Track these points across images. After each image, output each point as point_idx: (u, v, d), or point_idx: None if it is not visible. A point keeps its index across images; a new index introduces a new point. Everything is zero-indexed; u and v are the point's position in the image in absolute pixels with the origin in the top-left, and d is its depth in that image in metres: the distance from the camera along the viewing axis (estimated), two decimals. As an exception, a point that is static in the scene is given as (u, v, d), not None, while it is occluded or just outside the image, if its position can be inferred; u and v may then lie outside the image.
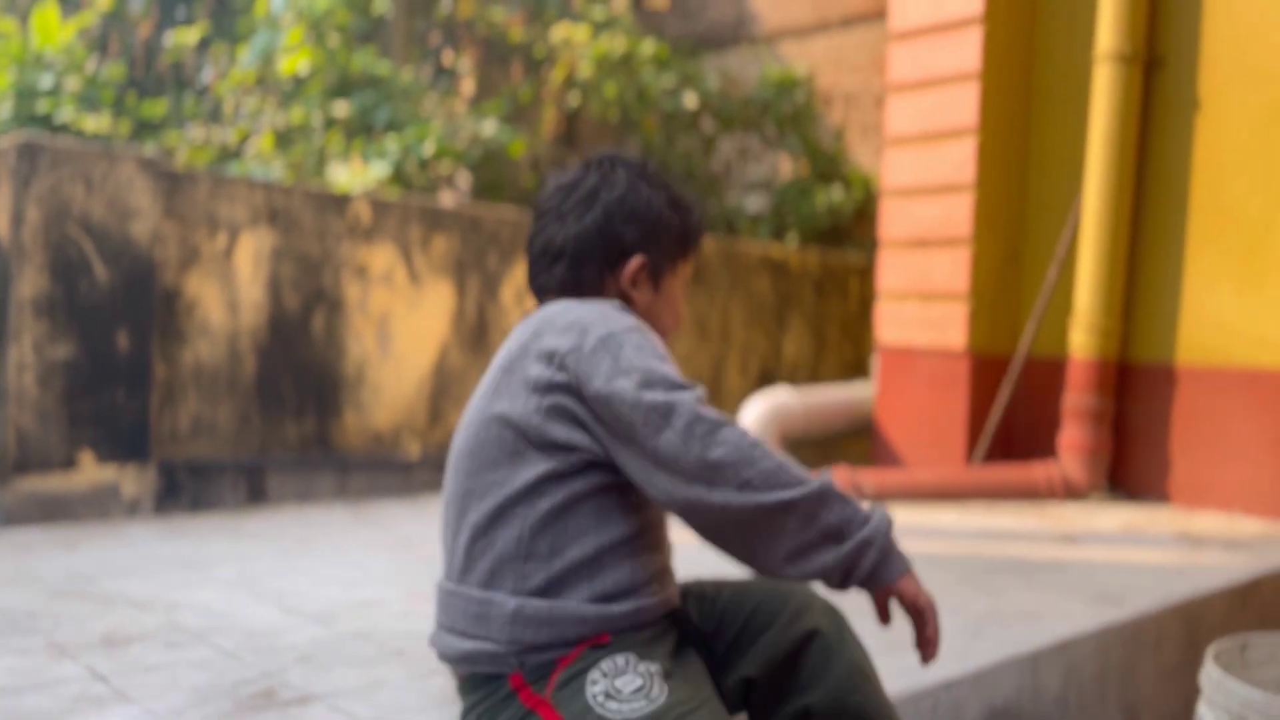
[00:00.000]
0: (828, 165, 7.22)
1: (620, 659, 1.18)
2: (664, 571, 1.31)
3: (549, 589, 1.21)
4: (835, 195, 6.90)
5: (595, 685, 1.15)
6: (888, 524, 1.20)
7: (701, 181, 7.19)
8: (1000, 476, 3.93)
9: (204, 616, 2.13)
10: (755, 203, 7.39)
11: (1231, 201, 3.76)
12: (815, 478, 1.18)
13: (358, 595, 2.35)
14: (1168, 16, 3.92)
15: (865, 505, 1.21)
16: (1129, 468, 4.00)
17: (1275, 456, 3.62)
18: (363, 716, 1.61)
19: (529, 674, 1.20)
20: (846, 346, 6.01)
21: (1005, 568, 2.84)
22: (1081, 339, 3.92)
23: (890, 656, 1.95)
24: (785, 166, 7.51)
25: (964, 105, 4.14)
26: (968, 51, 4.13)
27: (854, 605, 1.68)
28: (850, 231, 6.91)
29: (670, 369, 1.21)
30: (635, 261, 1.35)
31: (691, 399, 1.17)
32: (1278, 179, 3.63)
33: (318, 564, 2.66)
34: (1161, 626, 2.47)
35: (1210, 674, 1.94)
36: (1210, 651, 2.03)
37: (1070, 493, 3.89)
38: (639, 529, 1.26)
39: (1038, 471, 3.91)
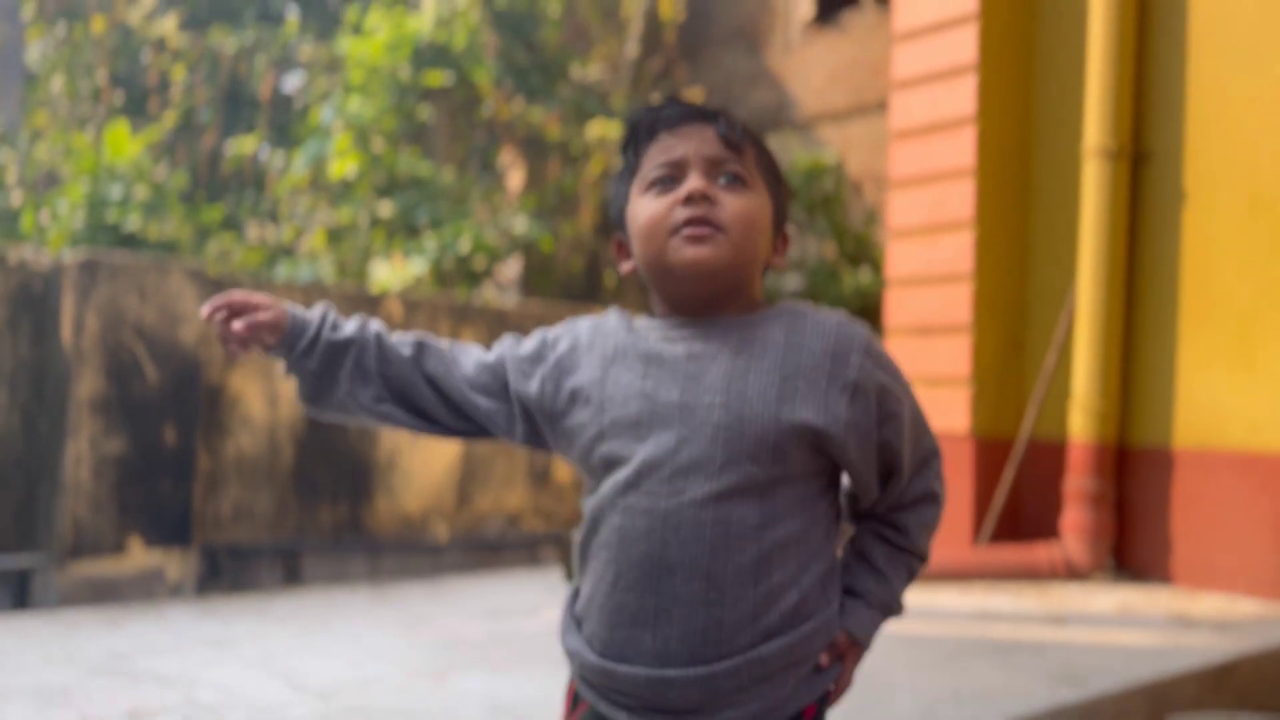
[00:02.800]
0: (857, 248, 7.44)
1: None
2: None
3: None
4: (864, 278, 7.09)
5: None
6: None
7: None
8: (1004, 558, 4.03)
9: (220, 693, 2.36)
10: (793, 281, 7.61)
11: (1220, 288, 3.88)
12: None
13: (361, 673, 2.56)
14: (1153, 113, 4.10)
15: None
16: (1133, 549, 4.07)
17: (1272, 538, 3.67)
18: (340, 783, 1.81)
19: None
20: (872, 427, 6.14)
21: (984, 649, 2.95)
22: (1080, 422, 4.04)
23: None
24: (818, 248, 7.74)
25: (961, 199, 4.33)
26: (963, 148, 4.34)
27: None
28: (879, 312, 7.09)
29: None
30: (614, 243, 1.22)
31: None
32: (1263, 266, 3.75)
33: (331, 642, 2.89)
34: (1121, 706, 2.56)
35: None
36: (1147, 731, 2.14)
37: (1073, 573, 3.97)
38: None
39: (1040, 553, 4.00)
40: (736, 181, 1.11)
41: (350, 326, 1.16)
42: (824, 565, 1.12)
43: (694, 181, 1.09)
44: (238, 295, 1.13)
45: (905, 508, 1.16)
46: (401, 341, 1.18)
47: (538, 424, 1.17)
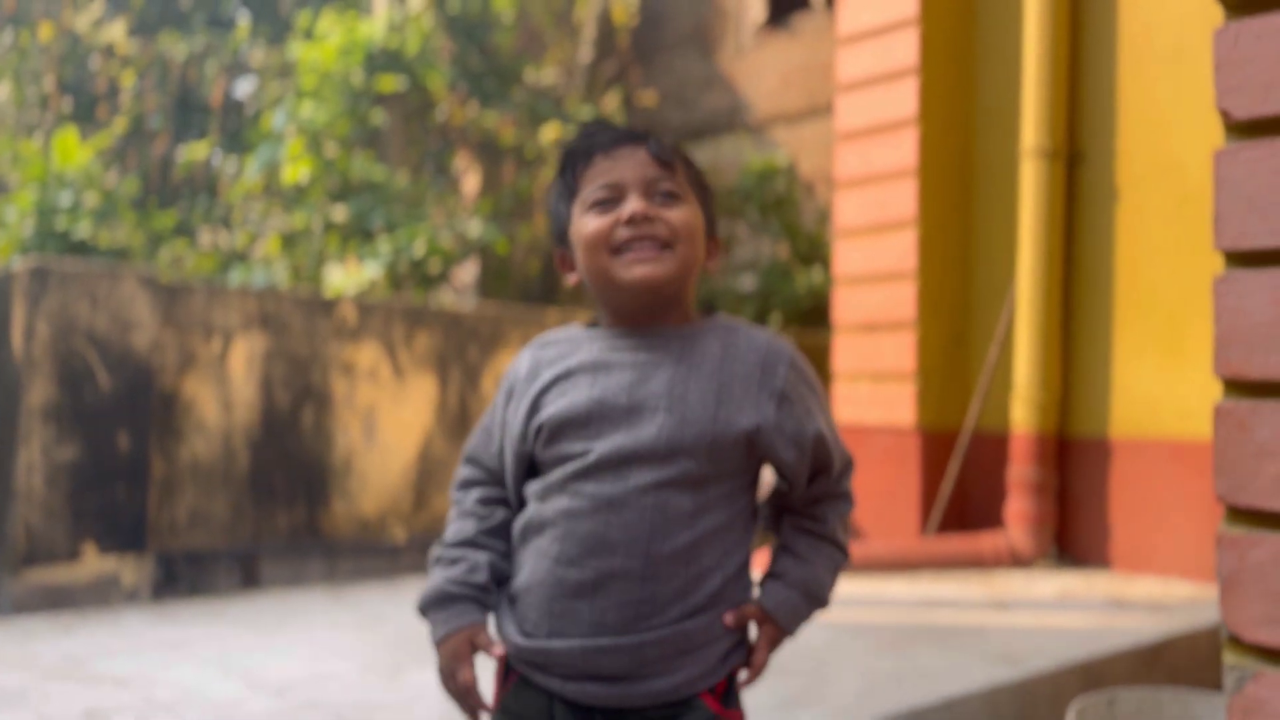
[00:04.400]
0: (809, 248, 7.55)
1: None
2: None
3: None
4: (816, 277, 7.21)
5: None
6: None
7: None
8: (950, 547, 4.14)
9: (176, 692, 2.39)
10: (748, 282, 7.71)
11: (1151, 282, 4.02)
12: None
13: (317, 670, 2.60)
14: (1086, 114, 4.24)
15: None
16: (1074, 536, 4.20)
17: (1204, 523, 3.81)
18: (295, 773, 1.86)
19: None
20: (824, 423, 6.24)
21: (927, 634, 3.05)
22: (1022, 414, 4.16)
23: (779, 714, 2.18)
24: (771, 248, 7.84)
25: (904, 199, 4.45)
26: (905, 149, 4.45)
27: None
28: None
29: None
30: (557, 256, 1.33)
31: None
32: (1191, 261, 3.89)
33: (287, 642, 2.92)
34: (1058, 685, 2.66)
35: (1071, 727, 2.14)
36: (1073, 708, 2.23)
37: (1017, 561, 4.09)
38: None
39: (985, 541, 4.12)
40: (671, 197, 1.22)
41: (475, 557, 1.26)
42: (743, 555, 1.24)
43: (634, 203, 1.20)
44: (465, 685, 1.22)
45: (822, 501, 1.28)
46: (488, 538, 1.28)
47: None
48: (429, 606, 1.23)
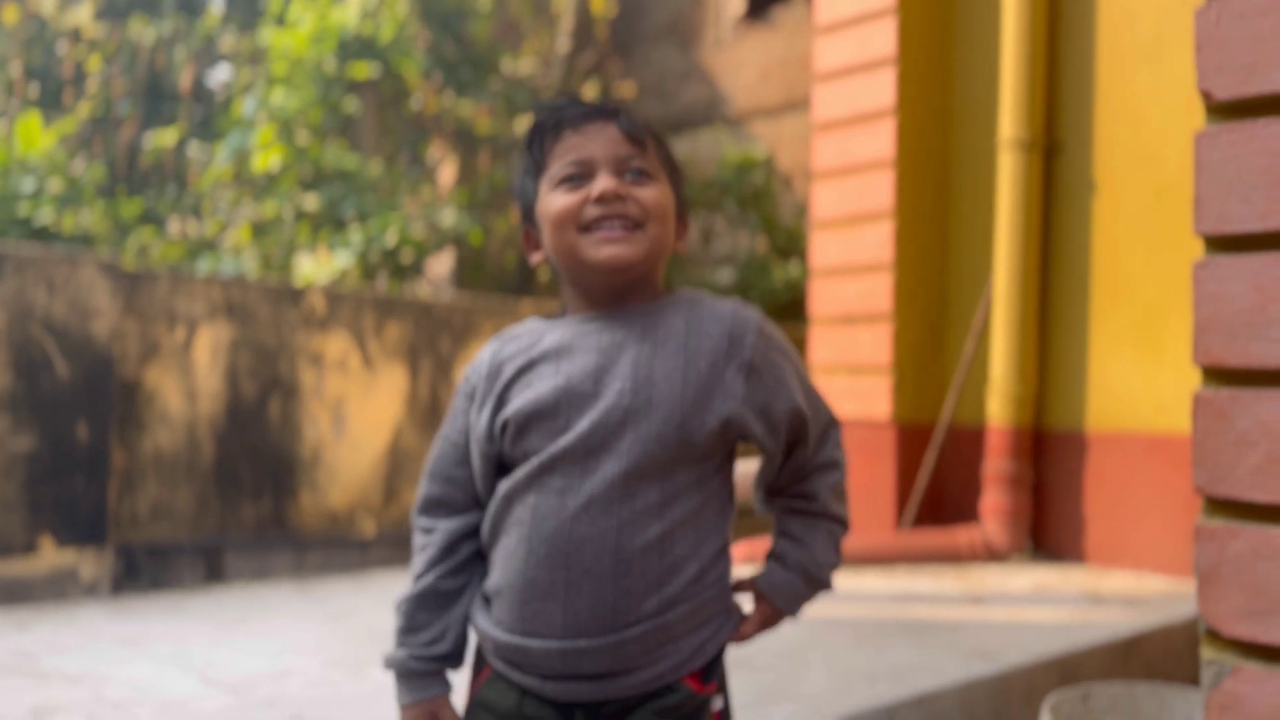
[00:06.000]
0: (787, 241, 7.52)
1: None
2: None
3: None
4: (793, 270, 7.17)
5: None
6: None
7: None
8: (925, 541, 4.11)
9: (128, 690, 2.32)
10: (726, 275, 7.66)
11: (1128, 275, 4.00)
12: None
13: (277, 665, 2.53)
14: (1064, 105, 4.21)
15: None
16: (1049, 530, 4.18)
17: (1179, 517, 3.80)
18: (247, 773, 1.79)
19: None
20: (801, 417, 6.21)
21: (901, 628, 3.01)
22: (998, 407, 4.13)
23: (753, 710, 2.14)
24: (750, 242, 7.80)
25: (881, 191, 4.41)
26: (883, 140, 4.41)
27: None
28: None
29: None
30: (522, 234, 1.28)
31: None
32: (1167, 253, 3.87)
33: (249, 638, 2.85)
34: (1032, 680, 2.63)
35: (1045, 723, 2.11)
36: (1047, 702, 2.20)
37: (992, 555, 4.06)
38: None
39: (960, 535, 4.09)
40: (643, 175, 1.17)
41: (434, 621, 1.23)
42: (719, 539, 1.19)
43: (604, 181, 1.15)
44: None
45: (810, 476, 1.24)
46: (446, 565, 1.24)
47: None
48: (393, 673, 1.23)
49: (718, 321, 1.17)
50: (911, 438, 4.40)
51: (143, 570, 3.72)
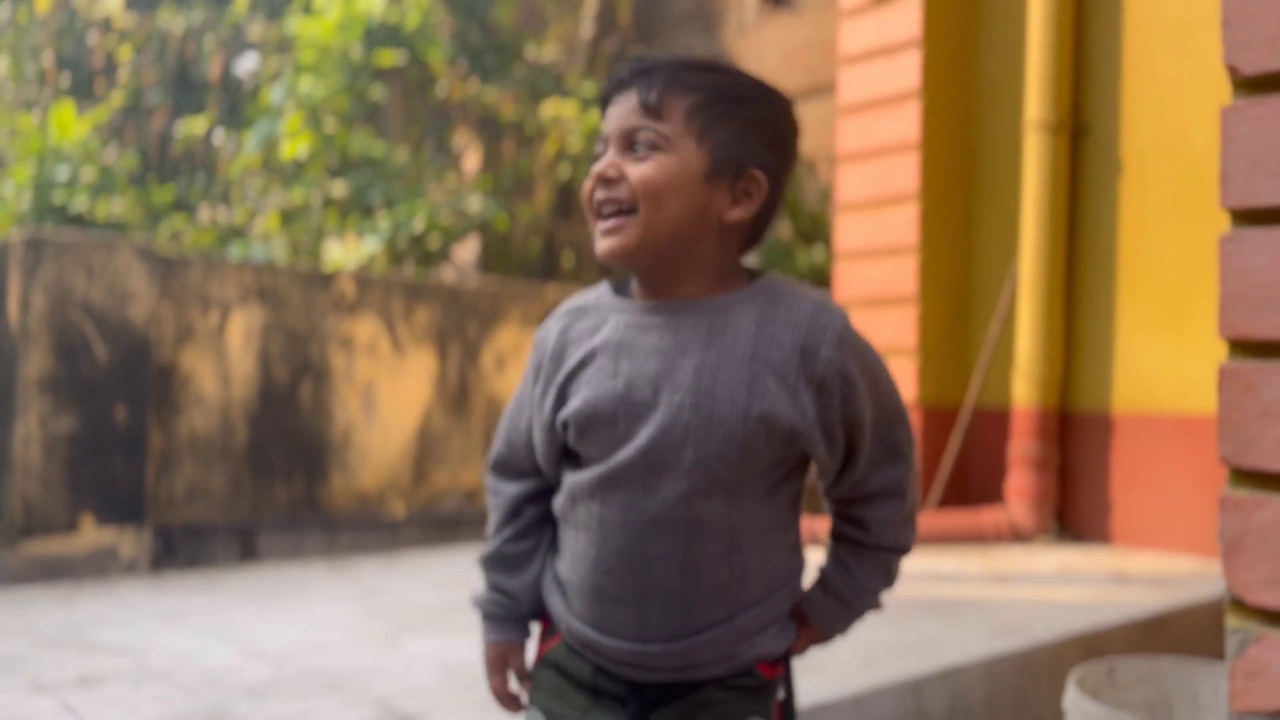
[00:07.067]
0: (811, 226, 7.52)
1: None
2: None
3: None
4: (817, 255, 7.18)
5: None
6: None
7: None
8: (950, 522, 4.12)
9: (171, 659, 2.39)
10: (750, 261, 7.67)
11: (1154, 256, 3.99)
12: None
13: (313, 639, 2.59)
14: (1091, 87, 4.19)
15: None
16: (1075, 511, 4.19)
17: (1205, 497, 3.80)
18: (290, 738, 1.85)
19: None
20: (825, 401, 6.23)
21: (926, 606, 3.04)
22: (1024, 389, 4.14)
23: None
24: (774, 227, 7.80)
25: (906, 173, 4.41)
26: (908, 123, 4.42)
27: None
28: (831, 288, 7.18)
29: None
30: None
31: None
32: (1194, 234, 3.86)
33: (285, 613, 2.91)
34: (1057, 656, 2.65)
35: (1070, 697, 2.13)
36: (1073, 675, 2.23)
37: (1017, 536, 4.08)
38: None
39: (986, 517, 4.10)
40: (650, 149, 1.06)
41: (509, 585, 1.24)
42: (791, 539, 1.16)
43: (604, 160, 1.08)
44: (496, 684, 1.25)
45: (865, 501, 1.15)
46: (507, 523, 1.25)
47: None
48: (478, 612, 1.27)
49: (792, 329, 1.06)
50: (937, 420, 4.42)
51: (180, 549, 3.80)
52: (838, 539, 1.19)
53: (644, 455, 1.07)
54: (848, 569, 1.18)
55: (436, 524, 4.49)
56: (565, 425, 1.12)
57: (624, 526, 1.08)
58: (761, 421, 1.05)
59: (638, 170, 1.06)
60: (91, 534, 3.56)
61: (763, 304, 1.08)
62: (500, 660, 1.24)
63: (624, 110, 1.08)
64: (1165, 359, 3.95)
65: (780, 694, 1.18)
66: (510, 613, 1.23)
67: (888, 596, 1.24)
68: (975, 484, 4.43)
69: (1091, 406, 4.16)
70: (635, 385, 1.07)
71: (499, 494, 1.25)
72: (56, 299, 3.51)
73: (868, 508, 1.15)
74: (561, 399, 1.13)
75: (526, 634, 1.25)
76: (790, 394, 1.05)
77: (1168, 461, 3.91)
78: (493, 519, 1.26)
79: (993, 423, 4.35)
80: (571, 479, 1.14)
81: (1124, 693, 2.29)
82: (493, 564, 1.24)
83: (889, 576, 1.20)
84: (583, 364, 1.12)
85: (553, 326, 1.17)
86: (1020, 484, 4.10)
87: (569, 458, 1.16)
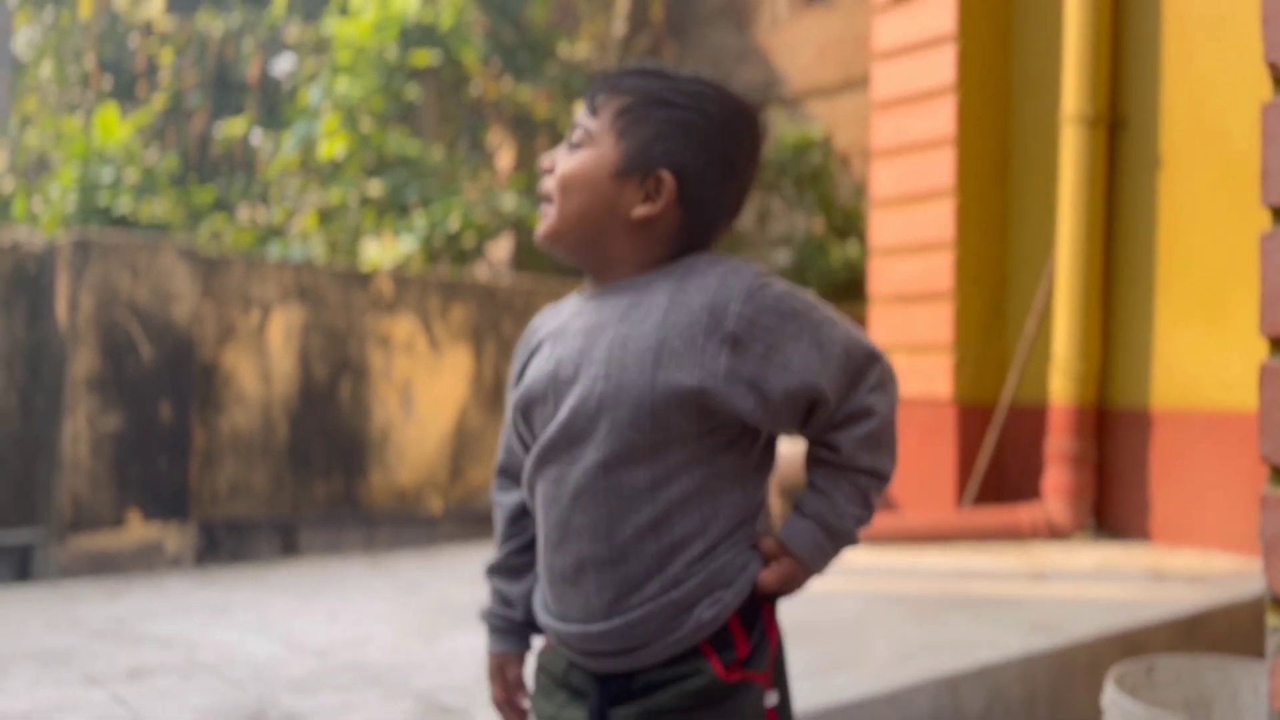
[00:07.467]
0: (845, 221, 7.49)
1: None
2: None
3: None
4: (851, 251, 7.16)
5: None
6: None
7: (721, 240, 7.50)
8: (986, 519, 4.11)
9: (217, 652, 2.44)
10: (783, 256, 7.67)
11: (1193, 251, 3.95)
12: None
13: (355, 633, 2.64)
14: (1129, 80, 4.16)
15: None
16: (1113, 508, 4.16)
17: (1245, 494, 3.76)
18: (335, 730, 1.89)
19: None
20: (860, 397, 6.21)
21: (963, 603, 3.03)
22: (1061, 385, 4.11)
23: (813, 679, 2.19)
24: (806, 222, 7.79)
25: (941, 169, 4.39)
26: (943, 118, 4.40)
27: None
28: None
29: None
30: None
31: None
32: (1233, 229, 3.82)
33: (326, 608, 2.97)
34: (1095, 654, 2.64)
35: (1109, 695, 2.13)
36: (1111, 673, 2.22)
37: (1054, 533, 4.05)
38: None
39: (1022, 513, 4.08)
40: (579, 145, 1.13)
41: (507, 591, 1.29)
42: (736, 513, 1.13)
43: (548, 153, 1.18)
44: (498, 694, 1.30)
45: (838, 427, 1.13)
46: (511, 529, 1.30)
47: None
48: (484, 624, 1.31)
49: (701, 292, 1.08)
50: (972, 416, 4.40)
51: (223, 544, 3.87)
52: (812, 465, 1.17)
53: (565, 428, 1.10)
54: (822, 491, 1.15)
55: (473, 519, 4.53)
56: (516, 407, 1.17)
57: (557, 500, 1.12)
58: (668, 386, 1.06)
59: (563, 164, 1.13)
60: (138, 529, 3.63)
61: (679, 277, 1.11)
62: (499, 671, 1.28)
63: (579, 111, 1.16)
64: (1204, 355, 3.91)
65: (771, 700, 1.14)
66: (510, 624, 1.28)
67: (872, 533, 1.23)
68: (1011, 481, 4.41)
69: (1129, 402, 4.13)
70: (562, 364, 1.12)
71: (500, 505, 1.30)
72: (103, 300, 3.58)
73: (841, 431, 1.13)
74: (516, 386, 1.20)
75: (526, 646, 1.28)
76: (697, 354, 1.06)
77: (1207, 458, 3.87)
78: (496, 531, 1.30)
79: (1029, 419, 4.33)
80: (526, 463, 1.17)
81: (1163, 691, 2.28)
82: (496, 572, 1.29)
83: (866, 503, 1.15)
84: (534, 354, 1.18)
85: (530, 325, 1.25)
86: (1057, 481, 4.08)
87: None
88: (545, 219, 1.15)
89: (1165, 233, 4.03)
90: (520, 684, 1.28)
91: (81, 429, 3.52)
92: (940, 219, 4.40)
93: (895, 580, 3.39)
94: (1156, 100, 4.07)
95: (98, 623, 2.76)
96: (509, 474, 1.28)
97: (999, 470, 4.42)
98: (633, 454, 1.07)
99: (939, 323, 4.41)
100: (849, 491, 1.15)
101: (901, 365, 4.53)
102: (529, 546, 1.26)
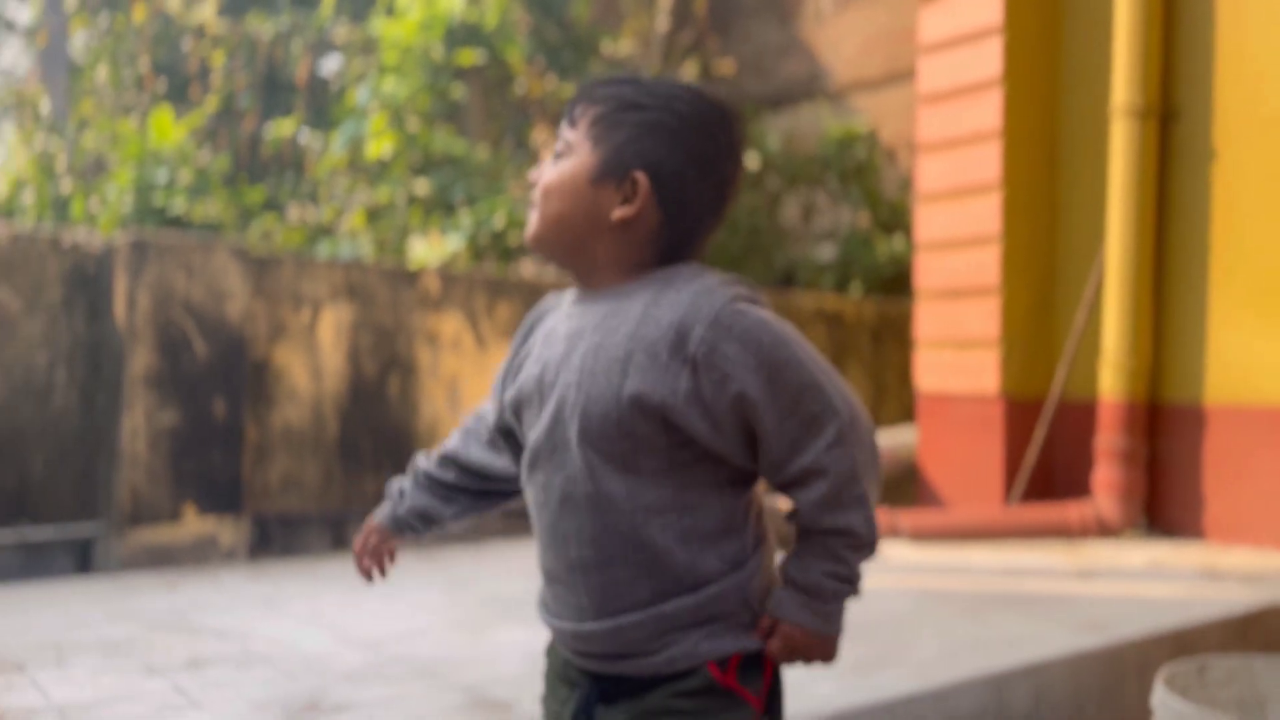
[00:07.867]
0: (891, 215, 7.44)
1: None
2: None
3: None
4: (897, 245, 7.11)
5: None
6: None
7: (767, 236, 7.49)
8: (1035, 516, 4.07)
9: (272, 645, 2.50)
10: (828, 251, 7.63)
11: (1248, 245, 3.87)
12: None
13: (406, 626, 2.69)
14: (1181, 70, 4.08)
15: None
16: (1164, 506, 4.10)
17: (1303, 492, 3.69)
18: (386, 721, 1.93)
19: None
20: (906, 393, 6.18)
21: (1011, 601, 3.01)
22: (1111, 380, 4.06)
23: (857, 675, 2.19)
24: (852, 217, 7.75)
25: (988, 162, 4.35)
26: (990, 111, 4.35)
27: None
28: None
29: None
30: None
31: None
32: (1292, 221, 3.74)
33: (377, 601, 3.02)
34: (1145, 653, 2.62)
35: (1158, 695, 2.11)
36: (1161, 674, 2.20)
37: (1104, 531, 4.00)
38: None
39: (1072, 511, 4.04)
40: (561, 156, 1.16)
41: (410, 491, 1.35)
42: (717, 524, 1.12)
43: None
44: (358, 544, 1.37)
45: (791, 485, 1.12)
46: (444, 458, 1.35)
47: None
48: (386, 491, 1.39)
49: (672, 309, 1.09)
50: (1020, 411, 4.36)
51: (275, 538, 3.95)
52: (791, 523, 1.16)
53: (548, 434, 1.13)
54: (796, 554, 1.14)
55: (521, 514, 4.56)
56: (507, 406, 1.21)
57: (546, 505, 1.15)
58: (633, 398, 1.07)
59: (546, 174, 1.17)
60: (194, 523, 3.72)
61: (657, 289, 1.12)
62: (371, 528, 1.35)
63: (562, 124, 1.20)
64: (1260, 349, 3.84)
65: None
66: (394, 511, 1.34)
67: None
68: (1060, 477, 4.37)
69: (1182, 398, 4.06)
70: (546, 369, 1.15)
71: (455, 433, 1.35)
72: (159, 299, 3.67)
73: (795, 490, 1.11)
74: (508, 383, 1.23)
75: (399, 531, 1.34)
76: (661, 371, 1.07)
77: (1264, 455, 3.80)
78: (441, 447, 1.35)
79: (1078, 415, 4.28)
80: (520, 465, 1.22)
81: (1215, 691, 2.25)
82: (415, 476, 1.35)
83: (838, 560, 1.12)
84: (529, 352, 1.21)
85: (537, 308, 1.28)
86: (1107, 478, 4.03)
87: (517, 448, 1.25)
88: (530, 224, 1.18)
89: (1219, 225, 3.96)
90: (380, 554, 1.34)
91: (140, 425, 3.61)
92: (987, 213, 4.36)
93: (942, 577, 3.38)
94: (1210, 91, 4.00)
95: (156, 614, 2.84)
96: (474, 433, 1.34)
97: (1047, 466, 4.37)
98: (608, 462, 1.09)
99: (986, 317, 4.37)
100: (819, 552, 1.12)
101: (948, 360, 4.50)
102: (466, 472, 1.32)
